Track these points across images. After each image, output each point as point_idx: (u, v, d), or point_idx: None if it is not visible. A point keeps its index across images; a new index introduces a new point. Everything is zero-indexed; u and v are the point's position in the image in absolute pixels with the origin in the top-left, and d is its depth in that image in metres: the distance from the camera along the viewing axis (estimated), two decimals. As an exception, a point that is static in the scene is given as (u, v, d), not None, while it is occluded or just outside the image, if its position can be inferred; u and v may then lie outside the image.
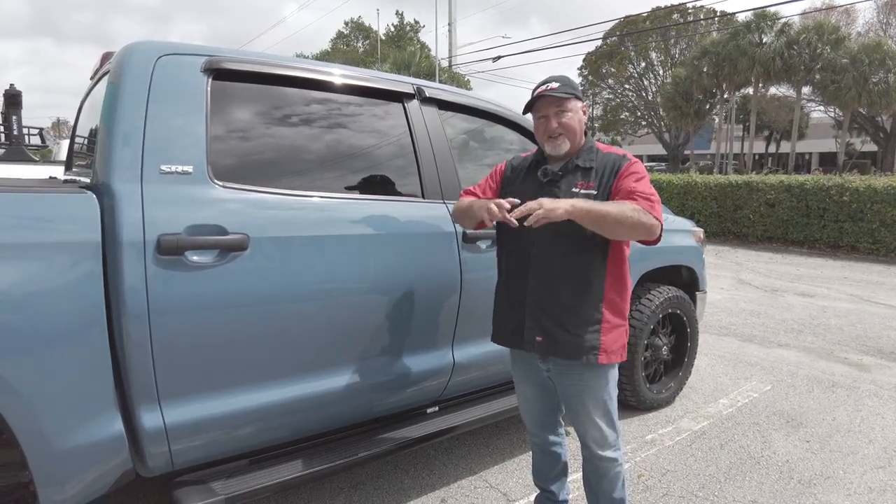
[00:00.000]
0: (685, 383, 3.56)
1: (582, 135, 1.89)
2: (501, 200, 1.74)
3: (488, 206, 1.73)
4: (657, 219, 1.72)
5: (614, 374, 1.92)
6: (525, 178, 1.94)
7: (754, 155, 32.47)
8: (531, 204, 1.64)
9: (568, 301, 1.80)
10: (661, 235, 1.77)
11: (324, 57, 39.02)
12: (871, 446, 2.95)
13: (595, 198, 1.76)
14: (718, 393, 3.66)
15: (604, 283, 1.81)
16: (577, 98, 1.86)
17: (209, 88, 1.83)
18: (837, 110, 28.59)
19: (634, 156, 1.89)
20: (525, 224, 1.64)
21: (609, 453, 1.93)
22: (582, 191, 1.79)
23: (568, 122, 1.83)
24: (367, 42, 42.85)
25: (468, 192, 2.06)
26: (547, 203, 1.63)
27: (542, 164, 1.91)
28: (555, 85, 1.83)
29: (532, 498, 2.35)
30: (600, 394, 1.87)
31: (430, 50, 30.50)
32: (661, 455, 2.84)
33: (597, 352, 1.80)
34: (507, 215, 1.68)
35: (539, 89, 1.84)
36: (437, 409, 2.48)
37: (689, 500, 2.44)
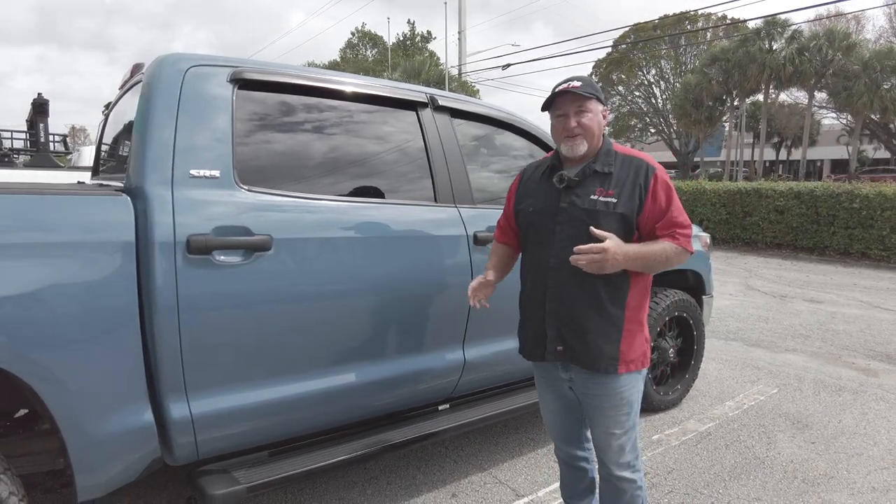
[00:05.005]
0: (692, 386, 3.62)
1: (600, 137, 1.80)
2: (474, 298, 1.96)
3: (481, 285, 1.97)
4: (689, 248, 1.76)
5: (638, 387, 1.81)
6: (540, 184, 1.86)
7: (765, 162, 32.31)
8: (594, 246, 1.63)
9: (587, 311, 1.73)
10: None
11: (333, 66, 39.42)
12: (875, 448, 2.99)
13: (615, 206, 1.70)
14: (725, 396, 3.71)
15: (627, 294, 1.75)
16: (599, 100, 1.78)
17: (235, 97, 1.94)
18: (849, 117, 28.44)
19: None
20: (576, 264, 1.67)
21: (627, 474, 1.82)
22: (601, 198, 1.71)
23: (588, 122, 1.74)
24: (376, 51, 43.25)
25: (498, 226, 2.09)
26: (610, 252, 1.62)
27: (557, 168, 1.82)
28: (577, 84, 1.75)
29: (540, 493, 2.42)
30: (621, 406, 1.77)
31: (439, 59, 30.76)
32: (667, 454, 2.90)
33: (616, 362, 1.73)
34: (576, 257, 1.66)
35: (561, 86, 1.77)
36: (447, 406, 2.56)
37: (694, 498, 2.49)
